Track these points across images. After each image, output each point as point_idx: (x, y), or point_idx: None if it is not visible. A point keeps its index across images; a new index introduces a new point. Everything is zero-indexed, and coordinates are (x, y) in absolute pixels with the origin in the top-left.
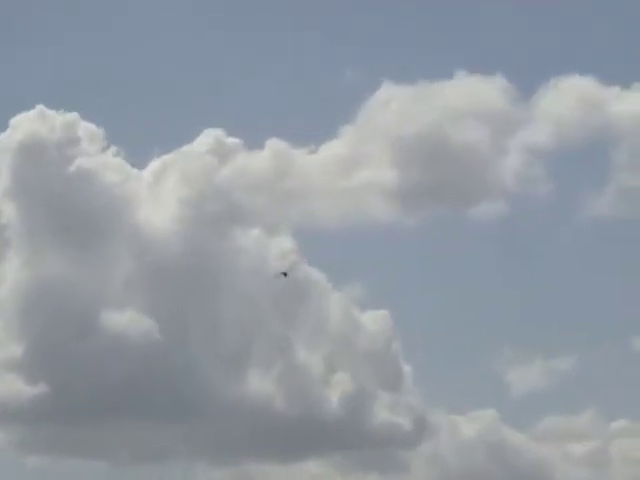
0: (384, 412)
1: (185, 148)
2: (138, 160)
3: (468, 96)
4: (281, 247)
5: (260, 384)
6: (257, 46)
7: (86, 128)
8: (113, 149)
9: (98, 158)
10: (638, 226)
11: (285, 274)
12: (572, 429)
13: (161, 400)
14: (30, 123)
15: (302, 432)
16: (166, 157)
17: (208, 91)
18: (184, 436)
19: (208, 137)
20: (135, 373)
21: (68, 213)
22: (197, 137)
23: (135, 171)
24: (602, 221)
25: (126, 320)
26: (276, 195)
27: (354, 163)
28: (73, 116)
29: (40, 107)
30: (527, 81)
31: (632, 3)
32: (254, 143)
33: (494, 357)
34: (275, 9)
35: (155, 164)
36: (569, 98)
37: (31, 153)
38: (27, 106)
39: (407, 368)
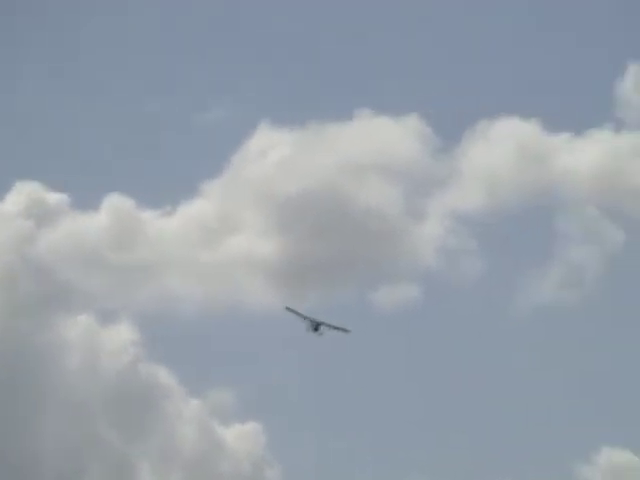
0: None
1: None
2: None
3: (373, 143)
4: (117, 339)
5: None
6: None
7: None
8: None
9: None
10: (594, 313)
11: (316, 328)
12: None
13: None
14: None
15: None
16: None
17: (20, 133)
18: None
19: (21, 193)
20: None
21: None
22: (6, 194)
23: None
24: (544, 310)
25: None
26: (115, 271)
27: (221, 229)
28: None
29: None
30: (450, 125)
31: None
32: (86, 201)
33: None
34: None
35: None
36: (504, 148)
37: None
38: None
39: None
